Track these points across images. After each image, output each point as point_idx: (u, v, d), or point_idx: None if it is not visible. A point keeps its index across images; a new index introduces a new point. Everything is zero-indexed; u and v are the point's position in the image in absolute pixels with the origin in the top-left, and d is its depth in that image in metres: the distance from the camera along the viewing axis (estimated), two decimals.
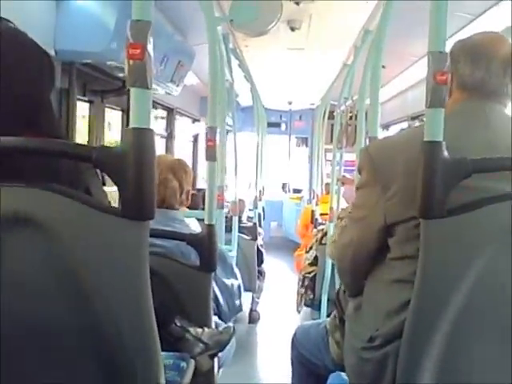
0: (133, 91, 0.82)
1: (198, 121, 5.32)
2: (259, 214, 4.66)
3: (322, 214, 4.33)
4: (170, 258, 1.70)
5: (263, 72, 4.61)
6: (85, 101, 2.69)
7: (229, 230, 3.31)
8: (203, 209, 3.13)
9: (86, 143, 2.69)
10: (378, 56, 1.78)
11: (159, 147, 4.45)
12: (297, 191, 7.92)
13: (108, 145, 2.81)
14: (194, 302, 1.68)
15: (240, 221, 4.19)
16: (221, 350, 1.72)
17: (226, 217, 3.51)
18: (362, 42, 2.67)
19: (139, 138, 0.81)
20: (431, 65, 0.95)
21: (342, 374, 2.04)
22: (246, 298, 3.99)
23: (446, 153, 0.97)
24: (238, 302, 2.06)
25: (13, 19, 1.01)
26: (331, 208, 3.44)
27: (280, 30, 2.90)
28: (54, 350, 0.85)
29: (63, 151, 0.86)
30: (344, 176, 3.61)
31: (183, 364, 1.46)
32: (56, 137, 0.98)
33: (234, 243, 3.32)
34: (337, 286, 1.57)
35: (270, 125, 7.38)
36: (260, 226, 4.65)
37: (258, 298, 4.40)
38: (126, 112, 3.25)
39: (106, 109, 2.95)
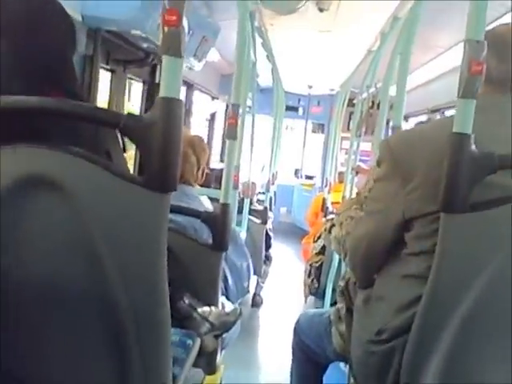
0: (165, 59, 0.80)
1: (217, 98, 5.27)
2: (270, 198, 4.63)
3: (333, 203, 4.30)
4: (183, 234, 1.70)
5: (286, 53, 4.54)
6: (107, 69, 2.66)
7: (240, 211, 3.30)
8: (215, 188, 3.12)
9: None
10: (409, 43, 1.74)
11: None
12: (309, 178, 7.88)
13: None
14: (203, 281, 1.68)
15: (251, 203, 4.18)
16: (226, 331, 1.72)
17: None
18: (391, 28, 2.61)
19: (168, 108, 0.79)
20: (467, 53, 0.92)
21: (341, 364, 2.04)
22: (251, 282, 3.99)
23: (473, 146, 0.94)
24: (246, 284, 2.06)
25: None
26: (343, 197, 3.41)
27: (308, 10, 2.84)
28: (66, 311, 0.85)
29: (92, 115, 0.84)
30: (359, 165, 3.57)
31: (189, 341, 1.46)
32: (79, 99, 0.98)
33: (244, 225, 3.31)
34: (345, 277, 1.56)
35: (288, 108, 7.30)
36: (270, 210, 4.63)
37: (263, 283, 4.41)
38: (147, 84, 3.21)
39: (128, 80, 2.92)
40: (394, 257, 1.20)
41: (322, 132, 8.04)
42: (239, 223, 3.26)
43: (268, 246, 4.30)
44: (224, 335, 1.76)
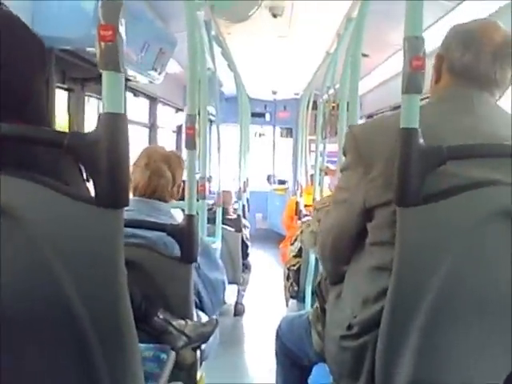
0: (105, 75, 0.79)
1: (182, 110, 5.25)
2: (244, 206, 4.63)
3: (306, 206, 4.33)
4: (153, 249, 1.68)
5: (247, 60, 4.57)
6: (64, 89, 2.63)
7: (213, 221, 3.29)
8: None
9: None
10: (358, 44, 1.76)
11: (142, 137, 4.39)
12: (282, 182, 7.92)
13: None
14: (176, 294, 1.66)
15: (227, 212, 4.17)
16: (204, 342, 1.71)
17: (211, 208, 3.49)
18: (345, 29, 2.65)
19: (112, 124, 0.79)
20: (407, 50, 0.94)
21: (326, 365, 2.04)
22: (232, 291, 3.98)
23: (421, 140, 0.96)
24: (221, 297, 2.04)
25: None
26: (314, 199, 3.43)
27: (262, 17, 2.87)
28: (29, 339, 0.83)
29: (34, 137, 0.83)
30: (327, 167, 3.60)
31: (163, 356, 1.45)
32: (42, 123, 0.95)
33: (218, 234, 3.30)
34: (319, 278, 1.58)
35: (255, 115, 7.34)
36: (245, 217, 4.62)
37: (244, 291, 4.40)
38: None
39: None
40: (360, 249, 1.20)
41: (291, 136, 8.10)
42: (213, 234, 3.25)
43: (246, 255, 4.29)
44: (203, 347, 1.75)
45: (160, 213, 1.84)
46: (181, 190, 1.99)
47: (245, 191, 4.78)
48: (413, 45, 0.93)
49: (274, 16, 2.83)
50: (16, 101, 0.92)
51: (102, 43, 0.77)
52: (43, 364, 0.85)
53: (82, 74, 2.65)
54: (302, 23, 3.22)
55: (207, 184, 2.87)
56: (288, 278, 3.52)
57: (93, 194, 0.82)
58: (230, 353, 3.37)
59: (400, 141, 0.96)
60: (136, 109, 4.15)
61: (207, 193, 2.78)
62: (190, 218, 1.63)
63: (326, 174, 3.52)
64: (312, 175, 4.92)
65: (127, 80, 3.13)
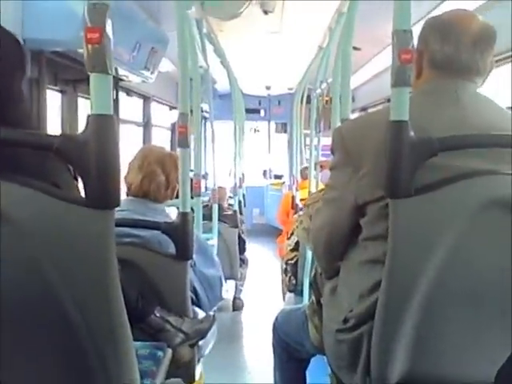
0: (92, 77, 0.80)
1: (176, 108, 5.25)
2: (240, 202, 4.64)
3: (302, 200, 4.33)
4: (147, 247, 1.69)
5: (240, 57, 4.57)
6: (57, 90, 2.63)
7: (209, 218, 3.30)
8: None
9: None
10: (349, 37, 1.77)
11: (136, 136, 4.39)
12: (278, 177, 7.93)
13: None
14: (172, 292, 1.67)
15: (222, 208, 4.18)
16: (201, 339, 1.72)
17: (207, 205, 3.50)
18: (337, 23, 2.65)
19: (101, 125, 0.80)
20: (396, 44, 0.94)
21: (323, 357, 2.05)
22: (230, 286, 4.00)
23: (411, 132, 0.96)
24: (218, 293, 2.04)
25: None
26: (309, 193, 3.44)
27: (254, 14, 2.86)
28: (20, 339, 0.84)
29: (23, 140, 0.83)
30: (323, 160, 3.61)
31: (160, 353, 1.46)
32: (24, 127, 0.93)
33: (215, 231, 3.31)
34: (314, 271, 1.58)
35: (249, 111, 7.33)
36: (241, 213, 4.63)
37: (242, 286, 4.41)
38: None
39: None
40: (354, 244, 1.21)
41: (286, 131, 8.10)
42: (209, 230, 3.26)
43: (243, 250, 4.31)
44: (200, 343, 1.76)
45: (156, 212, 1.84)
46: (175, 191, 1.98)
47: (240, 187, 4.79)
48: (401, 38, 0.94)
49: (265, 12, 2.83)
50: None
51: (89, 45, 0.78)
52: (36, 364, 0.86)
53: (74, 76, 2.65)
54: (293, 19, 3.22)
55: (203, 181, 2.88)
56: (286, 272, 3.54)
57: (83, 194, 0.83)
58: (229, 347, 3.39)
59: (390, 133, 0.97)
60: (130, 108, 4.15)
61: (203, 190, 2.79)
62: (183, 216, 1.63)
63: (322, 167, 3.53)
64: (303, 169, 4.94)
65: (120, 80, 3.13)
